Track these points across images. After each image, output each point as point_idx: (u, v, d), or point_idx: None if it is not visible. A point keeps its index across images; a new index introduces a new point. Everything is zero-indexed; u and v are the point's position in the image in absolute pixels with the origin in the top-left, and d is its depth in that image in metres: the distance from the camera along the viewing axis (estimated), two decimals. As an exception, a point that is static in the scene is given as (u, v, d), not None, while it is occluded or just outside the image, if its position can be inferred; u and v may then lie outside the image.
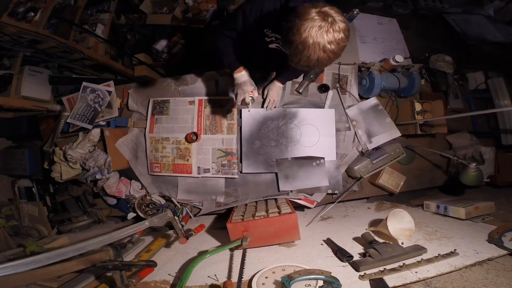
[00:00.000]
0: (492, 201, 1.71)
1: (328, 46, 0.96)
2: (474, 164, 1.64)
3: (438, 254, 1.16)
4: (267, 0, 1.23)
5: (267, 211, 1.53)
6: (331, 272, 1.03)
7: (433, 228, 1.51)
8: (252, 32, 1.35)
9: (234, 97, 1.69)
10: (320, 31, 0.94)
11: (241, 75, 1.56)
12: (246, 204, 1.83)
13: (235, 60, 1.55)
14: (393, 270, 1.09)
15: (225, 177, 1.95)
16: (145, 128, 2.01)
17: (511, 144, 2.14)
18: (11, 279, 0.88)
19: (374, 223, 1.61)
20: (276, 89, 1.84)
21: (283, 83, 1.85)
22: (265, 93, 1.89)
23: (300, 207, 1.92)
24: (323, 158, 1.86)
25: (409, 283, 1.02)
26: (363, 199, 2.16)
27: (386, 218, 1.36)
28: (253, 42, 1.46)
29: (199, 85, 2.02)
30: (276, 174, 1.90)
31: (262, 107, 1.92)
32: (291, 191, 1.89)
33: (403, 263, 1.12)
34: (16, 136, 2.41)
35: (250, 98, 1.59)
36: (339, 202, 1.91)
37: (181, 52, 2.63)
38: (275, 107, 1.91)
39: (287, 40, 1.02)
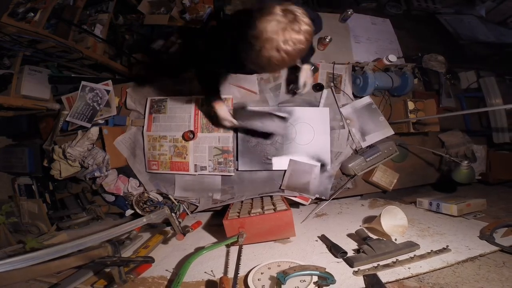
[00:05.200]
0: (483, 198, 1.73)
1: (282, 45, 0.87)
2: (466, 162, 1.66)
3: (431, 250, 1.17)
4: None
5: (262, 208, 1.55)
6: (325, 268, 1.03)
7: (425, 224, 1.51)
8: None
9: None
10: (277, 28, 0.85)
11: (219, 110, 1.61)
12: (242, 201, 1.85)
13: (215, 95, 1.60)
14: (387, 266, 1.10)
15: (222, 175, 1.98)
16: (143, 127, 2.03)
17: (502, 142, 2.16)
18: (11, 275, 0.88)
19: (368, 219, 1.63)
20: (308, 72, 1.72)
21: (307, 62, 1.71)
22: (300, 80, 1.73)
23: (295, 204, 1.94)
24: (318, 164, 1.89)
25: (402, 279, 1.03)
26: (357, 196, 2.18)
27: (380, 215, 1.37)
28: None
29: (196, 84, 2.04)
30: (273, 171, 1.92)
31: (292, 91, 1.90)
32: (283, 190, 1.92)
33: (396, 259, 1.13)
34: (16, 134, 2.42)
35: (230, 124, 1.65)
36: (333, 199, 1.93)
37: (178, 52, 2.64)
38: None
39: (243, 34, 0.92)
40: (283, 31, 0.86)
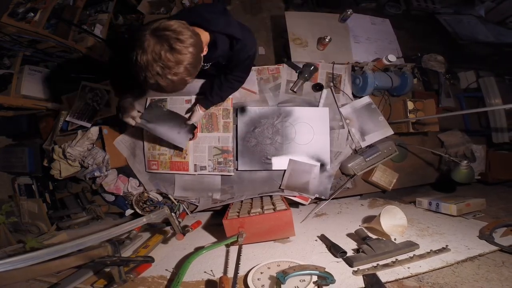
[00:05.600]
0: (483, 198, 1.73)
1: (161, 70, 0.95)
2: (465, 161, 1.66)
3: (430, 250, 1.17)
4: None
5: (262, 207, 1.55)
6: (325, 268, 1.03)
7: (425, 224, 1.52)
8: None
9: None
10: (150, 53, 0.93)
11: (124, 101, 1.61)
12: (241, 201, 1.85)
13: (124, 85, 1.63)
14: (386, 265, 1.10)
15: (221, 175, 1.97)
16: (143, 127, 2.03)
17: (501, 142, 2.17)
18: (11, 275, 0.88)
19: (368, 219, 1.63)
20: (198, 116, 1.79)
21: (207, 107, 1.77)
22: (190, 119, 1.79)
23: (295, 204, 1.94)
24: (318, 164, 1.90)
25: (402, 279, 1.03)
26: (356, 196, 2.18)
27: (379, 214, 1.37)
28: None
29: (195, 84, 2.02)
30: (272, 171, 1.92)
31: None
32: (282, 189, 1.92)
33: (396, 259, 1.13)
34: (16, 134, 2.43)
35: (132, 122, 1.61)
36: (333, 199, 1.93)
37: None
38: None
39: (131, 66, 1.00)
40: (154, 56, 0.93)
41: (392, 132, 1.95)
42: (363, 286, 1.02)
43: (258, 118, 1.94)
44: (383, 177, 1.95)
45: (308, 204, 1.92)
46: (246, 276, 1.12)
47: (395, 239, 1.31)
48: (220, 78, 1.61)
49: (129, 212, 2.04)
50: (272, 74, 2.01)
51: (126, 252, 1.52)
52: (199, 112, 1.76)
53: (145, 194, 1.96)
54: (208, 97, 1.72)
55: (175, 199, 1.99)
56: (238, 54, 1.33)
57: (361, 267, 1.11)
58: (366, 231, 1.41)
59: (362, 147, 1.96)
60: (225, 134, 1.95)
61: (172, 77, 0.97)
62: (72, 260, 1.10)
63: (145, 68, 0.95)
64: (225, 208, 1.78)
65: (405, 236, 1.37)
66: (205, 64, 1.36)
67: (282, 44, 2.76)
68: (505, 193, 2.09)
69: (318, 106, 1.98)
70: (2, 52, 2.00)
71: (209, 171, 1.96)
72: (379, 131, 1.96)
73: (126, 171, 2.06)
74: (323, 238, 1.43)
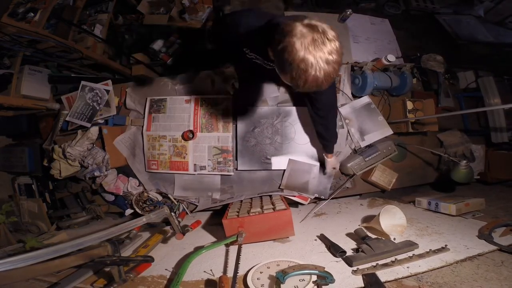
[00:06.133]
0: (482, 198, 1.73)
1: (330, 57, 0.85)
2: (464, 161, 1.65)
3: (430, 250, 1.17)
4: (244, 19, 1.15)
5: (262, 207, 1.55)
6: (324, 267, 1.04)
7: (424, 224, 1.52)
8: (234, 49, 1.29)
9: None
10: (317, 45, 0.84)
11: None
12: (241, 201, 1.86)
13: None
14: (385, 265, 1.11)
15: (221, 174, 1.98)
16: (143, 126, 2.04)
17: (501, 141, 2.17)
18: (11, 274, 0.89)
19: (367, 219, 1.63)
20: (333, 163, 1.82)
21: (331, 151, 1.77)
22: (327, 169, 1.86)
23: (294, 204, 1.95)
24: (317, 164, 1.91)
25: (401, 278, 1.03)
26: (356, 195, 2.18)
27: (379, 214, 1.38)
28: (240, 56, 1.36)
29: (195, 84, 2.04)
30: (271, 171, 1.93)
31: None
32: (282, 189, 1.93)
33: (395, 258, 1.14)
34: (16, 134, 2.43)
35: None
36: (332, 198, 1.94)
37: (177, 52, 2.65)
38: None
39: (283, 63, 0.90)
40: (324, 45, 0.85)
41: (392, 132, 1.96)
42: (363, 285, 1.02)
43: (257, 118, 1.94)
44: (383, 176, 1.96)
45: (308, 203, 1.93)
46: (245, 275, 1.13)
47: (394, 239, 1.31)
48: (316, 125, 1.64)
49: (129, 211, 2.04)
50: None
51: (126, 252, 1.53)
52: (330, 160, 1.80)
53: (145, 194, 1.97)
54: (327, 143, 1.73)
55: (174, 199, 1.99)
56: None
57: (360, 267, 1.12)
58: (365, 230, 1.41)
59: (362, 147, 1.97)
60: (224, 134, 1.96)
61: (335, 65, 0.88)
62: (72, 260, 1.11)
63: (315, 58, 0.85)
64: (225, 207, 1.79)
65: (404, 235, 1.37)
66: (270, 64, 1.28)
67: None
68: (504, 193, 2.09)
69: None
70: (2, 52, 2.00)
71: (208, 171, 1.96)
72: (379, 131, 1.96)
73: (126, 170, 2.07)
74: (322, 238, 1.43)
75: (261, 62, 1.30)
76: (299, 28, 0.86)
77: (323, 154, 1.81)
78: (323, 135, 1.66)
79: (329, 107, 1.53)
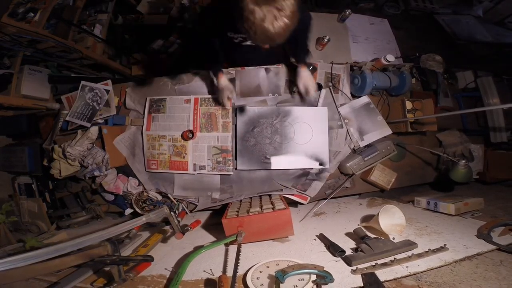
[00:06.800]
0: (481, 197, 1.73)
1: (280, 12, 0.94)
2: (463, 161, 1.66)
3: (429, 249, 1.18)
4: (215, 8, 1.23)
5: (261, 207, 1.56)
6: (323, 267, 1.04)
7: (423, 223, 1.52)
8: (221, 38, 1.36)
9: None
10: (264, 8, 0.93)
11: (221, 81, 1.69)
12: (241, 200, 1.86)
13: (216, 67, 1.65)
14: (385, 264, 1.11)
15: (220, 174, 1.98)
16: (142, 126, 2.03)
17: (499, 141, 2.17)
18: (11, 274, 0.89)
19: (366, 218, 1.63)
20: (304, 75, 1.74)
21: (305, 63, 1.74)
22: (298, 86, 1.78)
23: (294, 203, 1.95)
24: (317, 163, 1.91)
25: (400, 278, 1.03)
26: (355, 195, 2.19)
27: (378, 214, 1.38)
28: (229, 46, 1.45)
29: (195, 84, 2.04)
30: (270, 169, 1.93)
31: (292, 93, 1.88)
32: (281, 189, 1.93)
33: (394, 258, 1.14)
34: (16, 134, 2.43)
35: (228, 102, 1.74)
36: (331, 198, 1.94)
37: (177, 52, 2.65)
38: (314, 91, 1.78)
39: (239, 16, 1.00)
40: (266, 3, 0.93)
41: (391, 132, 1.96)
42: (362, 285, 1.02)
43: (257, 118, 1.95)
44: (382, 176, 1.96)
45: (307, 203, 1.93)
46: (245, 275, 1.13)
47: (393, 238, 1.32)
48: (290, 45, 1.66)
49: (128, 211, 2.04)
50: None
51: (126, 251, 1.53)
52: (304, 72, 1.73)
53: (145, 194, 1.97)
54: (299, 53, 1.70)
55: (174, 199, 1.99)
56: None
57: (359, 266, 1.12)
58: (364, 230, 1.41)
59: (361, 146, 1.97)
60: (224, 134, 1.96)
61: (285, 21, 0.97)
62: (72, 259, 1.11)
63: (263, 17, 0.95)
64: (224, 207, 1.79)
65: (403, 235, 1.37)
66: None
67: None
68: (503, 193, 2.09)
69: (317, 106, 1.98)
70: (2, 52, 2.00)
71: (208, 171, 1.97)
72: (378, 130, 1.96)
73: (125, 170, 2.07)
74: (321, 237, 1.43)
75: (248, 41, 1.36)
76: None
77: (298, 68, 1.73)
78: (293, 46, 1.68)
79: (300, 33, 1.55)
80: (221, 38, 1.35)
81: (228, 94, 1.72)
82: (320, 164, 1.91)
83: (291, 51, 1.78)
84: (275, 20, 0.95)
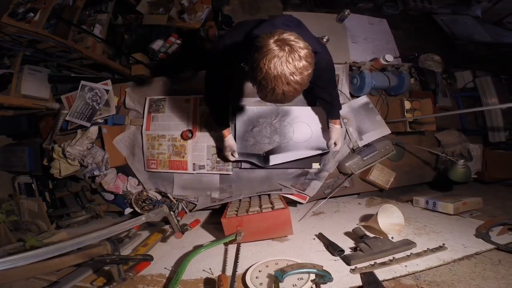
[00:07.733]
0: (479, 197, 1.74)
1: (291, 77, 0.89)
2: (462, 160, 1.67)
3: (427, 249, 1.18)
4: (230, 34, 1.21)
5: (260, 206, 1.56)
6: (322, 266, 1.05)
7: (422, 223, 1.53)
8: (234, 72, 1.33)
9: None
10: (280, 62, 0.87)
11: (226, 139, 1.73)
12: (240, 200, 1.87)
13: (222, 123, 1.68)
14: (383, 264, 1.11)
15: (220, 174, 1.99)
16: (142, 126, 2.04)
17: (498, 141, 2.18)
18: (11, 273, 0.89)
19: (365, 218, 1.64)
20: (339, 132, 1.76)
21: (339, 118, 1.73)
22: (330, 140, 1.77)
23: (293, 203, 1.96)
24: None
25: (399, 277, 1.04)
26: (354, 194, 2.19)
27: (377, 213, 1.39)
28: (241, 80, 1.44)
29: (194, 83, 2.05)
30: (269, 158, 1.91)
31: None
32: (280, 189, 1.93)
33: (393, 257, 1.14)
34: (16, 133, 2.43)
35: (232, 157, 1.79)
36: (330, 197, 1.95)
37: (177, 52, 2.65)
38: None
39: (252, 76, 0.96)
40: (287, 64, 0.87)
41: (389, 132, 1.97)
42: (361, 284, 1.02)
43: (256, 118, 1.95)
44: (381, 176, 1.96)
45: (306, 203, 1.94)
46: (244, 274, 1.13)
47: (392, 238, 1.32)
48: (319, 95, 1.65)
49: (128, 211, 2.05)
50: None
51: (125, 251, 1.53)
52: (336, 126, 1.74)
53: (144, 193, 1.98)
54: (332, 108, 1.70)
55: (174, 198, 2.00)
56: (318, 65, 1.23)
57: (358, 266, 1.12)
58: (363, 229, 1.42)
59: (360, 146, 1.98)
60: (223, 134, 1.96)
61: (296, 86, 0.92)
62: (72, 259, 1.11)
63: (276, 77, 0.89)
64: (224, 207, 1.79)
65: (402, 234, 1.38)
66: None
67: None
68: (502, 192, 2.10)
69: (316, 105, 1.98)
70: (2, 52, 2.00)
71: (207, 170, 1.97)
72: (377, 130, 1.97)
73: (125, 170, 2.07)
74: (321, 237, 1.44)
75: None
76: (269, 45, 0.88)
77: (329, 124, 1.76)
78: (327, 99, 1.66)
79: (327, 81, 1.55)
80: (233, 69, 1.31)
81: (231, 152, 1.77)
82: (321, 152, 1.87)
83: (322, 105, 1.78)
84: (287, 85, 0.91)
